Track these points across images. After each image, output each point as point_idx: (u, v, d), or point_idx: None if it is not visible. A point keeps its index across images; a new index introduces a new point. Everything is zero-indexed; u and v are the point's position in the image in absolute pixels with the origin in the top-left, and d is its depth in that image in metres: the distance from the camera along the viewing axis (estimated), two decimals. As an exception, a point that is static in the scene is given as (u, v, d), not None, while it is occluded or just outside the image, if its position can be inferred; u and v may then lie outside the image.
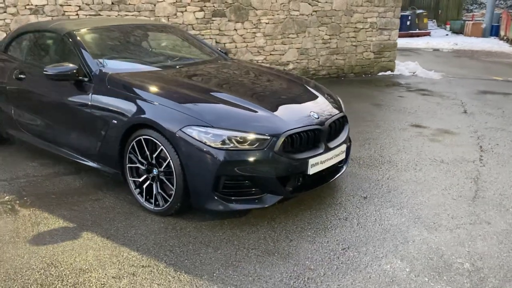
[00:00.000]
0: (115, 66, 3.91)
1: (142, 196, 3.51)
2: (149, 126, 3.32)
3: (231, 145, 3.10)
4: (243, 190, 3.22)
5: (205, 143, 3.10)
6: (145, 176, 3.46)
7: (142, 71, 3.91)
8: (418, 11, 22.62)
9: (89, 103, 3.66)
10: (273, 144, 3.16)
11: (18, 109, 4.41)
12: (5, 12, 6.79)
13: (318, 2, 9.31)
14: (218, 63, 4.48)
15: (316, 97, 3.87)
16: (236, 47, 8.69)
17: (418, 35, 21.25)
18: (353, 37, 9.92)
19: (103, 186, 3.96)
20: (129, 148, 3.46)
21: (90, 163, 3.85)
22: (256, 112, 3.34)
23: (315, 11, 9.33)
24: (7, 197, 3.74)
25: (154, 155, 3.34)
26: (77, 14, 7.26)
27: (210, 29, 8.35)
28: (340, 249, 3.02)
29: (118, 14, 7.55)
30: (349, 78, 9.92)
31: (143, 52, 4.53)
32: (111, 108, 3.55)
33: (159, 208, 3.40)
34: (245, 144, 3.13)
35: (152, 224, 3.32)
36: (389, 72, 10.51)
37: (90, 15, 7.33)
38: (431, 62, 12.43)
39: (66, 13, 7.19)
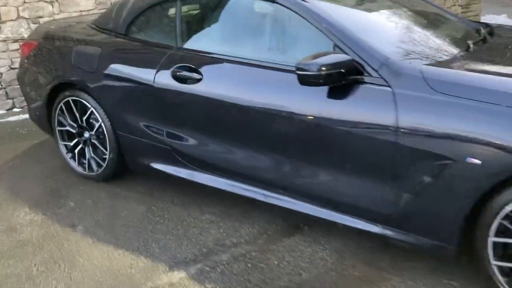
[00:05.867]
0: (407, 54, 2.19)
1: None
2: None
3: None
4: None
5: None
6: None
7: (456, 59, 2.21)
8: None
9: (393, 124, 1.96)
10: None
11: (179, 128, 2.64)
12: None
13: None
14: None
15: None
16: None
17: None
18: (441, -10, 8.32)
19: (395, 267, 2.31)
20: (501, 210, 1.83)
21: (370, 226, 2.18)
22: None
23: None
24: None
25: None
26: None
27: None
28: None
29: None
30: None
31: (411, 28, 2.73)
32: (451, 133, 1.87)
33: None
34: None
35: None
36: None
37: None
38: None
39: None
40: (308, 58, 2.02)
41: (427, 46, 2.26)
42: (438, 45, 2.31)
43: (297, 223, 2.63)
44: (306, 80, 2.01)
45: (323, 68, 1.97)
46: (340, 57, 2.02)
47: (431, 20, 2.72)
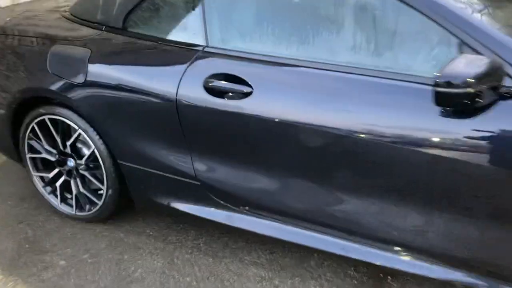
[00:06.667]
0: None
1: None
2: None
3: None
4: None
5: None
6: None
7: None
8: None
9: None
10: None
11: (214, 158, 1.93)
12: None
13: None
14: None
15: None
16: None
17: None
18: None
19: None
20: None
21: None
22: None
23: None
24: None
25: None
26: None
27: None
28: None
29: None
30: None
31: None
32: None
33: None
34: None
35: None
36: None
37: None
38: None
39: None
40: (448, 69, 1.37)
41: None
42: None
43: (375, 273, 2.02)
44: (447, 100, 1.36)
45: (471, 80, 1.33)
46: (487, 61, 1.38)
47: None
